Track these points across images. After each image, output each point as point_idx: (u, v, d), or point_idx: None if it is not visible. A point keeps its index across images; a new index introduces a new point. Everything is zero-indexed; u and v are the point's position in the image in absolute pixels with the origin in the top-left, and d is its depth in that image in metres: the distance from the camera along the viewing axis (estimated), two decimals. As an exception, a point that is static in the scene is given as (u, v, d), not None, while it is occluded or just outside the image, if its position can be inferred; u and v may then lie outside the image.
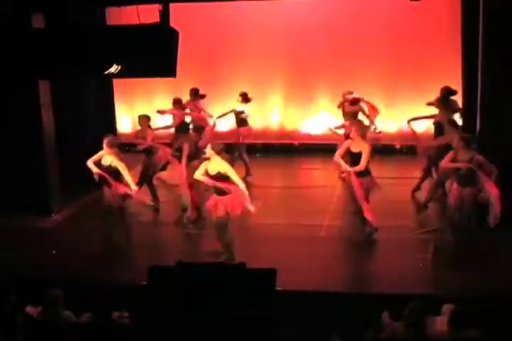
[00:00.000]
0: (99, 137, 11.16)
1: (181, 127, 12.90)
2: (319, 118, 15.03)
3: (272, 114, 15.42)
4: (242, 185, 9.20)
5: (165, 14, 8.32)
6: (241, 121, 13.45)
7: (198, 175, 9.35)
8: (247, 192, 9.25)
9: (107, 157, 9.82)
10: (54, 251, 10.01)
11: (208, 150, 9.21)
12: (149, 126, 11.81)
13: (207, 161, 9.27)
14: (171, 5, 8.53)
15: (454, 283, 8.78)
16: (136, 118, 12.15)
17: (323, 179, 11.24)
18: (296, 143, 15.43)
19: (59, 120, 11.83)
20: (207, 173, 9.26)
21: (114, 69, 7.98)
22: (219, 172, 9.14)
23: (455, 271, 9.29)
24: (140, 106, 15.43)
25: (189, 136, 11.60)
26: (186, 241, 10.55)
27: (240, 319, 4.88)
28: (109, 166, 9.76)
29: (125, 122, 15.67)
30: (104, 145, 9.81)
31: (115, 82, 14.39)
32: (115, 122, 15.11)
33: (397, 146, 14.23)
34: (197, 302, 4.94)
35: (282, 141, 15.30)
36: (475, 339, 6.29)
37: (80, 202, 12.28)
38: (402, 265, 9.42)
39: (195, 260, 9.43)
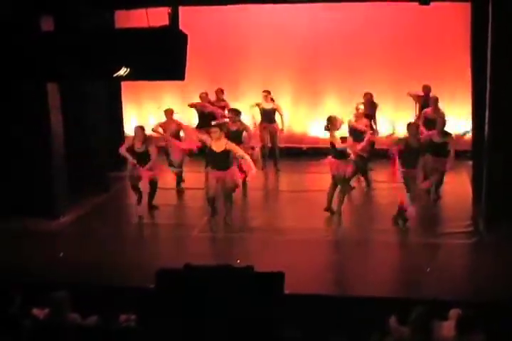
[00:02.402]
0: (107, 139, 11.21)
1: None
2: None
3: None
4: (247, 157, 10.96)
5: (174, 17, 8.33)
6: (269, 118, 14.05)
7: None
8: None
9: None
10: (61, 254, 10.02)
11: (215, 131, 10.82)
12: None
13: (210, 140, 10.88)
14: (180, 8, 8.54)
15: (461, 288, 8.77)
16: (144, 121, 12.41)
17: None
18: (304, 147, 15.42)
19: (67, 123, 11.85)
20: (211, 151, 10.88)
21: (122, 72, 7.98)
22: (225, 149, 10.74)
23: (462, 275, 9.30)
24: (148, 109, 15.46)
25: None
26: (194, 244, 10.56)
27: (249, 322, 4.88)
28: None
29: (133, 124, 15.67)
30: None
31: (123, 84, 14.40)
32: (123, 125, 15.12)
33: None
34: (205, 305, 4.93)
35: (290, 144, 15.28)
36: (482, 344, 6.27)
37: (87, 204, 12.30)
38: (409, 269, 9.42)
39: (203, 263, 9.44)
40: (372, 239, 10.42)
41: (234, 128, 12.22)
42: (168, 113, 12.82)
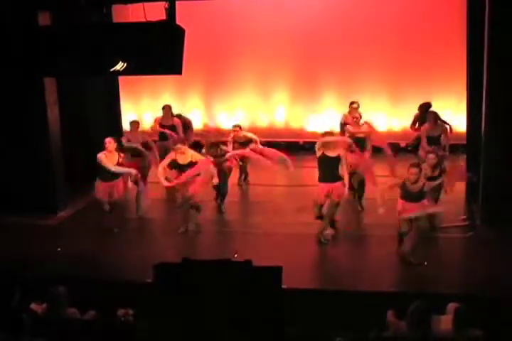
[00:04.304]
0: (104, 135, 11.21)
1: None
2: (325, 116, 15.03)
3: (278, 111, 15.42)
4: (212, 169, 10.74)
5: (171, 12, 8.32)
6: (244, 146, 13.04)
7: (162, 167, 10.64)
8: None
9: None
10: (59, 248, 10.03)
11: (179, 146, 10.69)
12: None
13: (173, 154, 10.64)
14: (177, 2, 8.54)
15: (458, 282, 8.80)
16: (142, 116, 12.37)
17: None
18: (301, 141, 15.43)
19: (64, 118, 11.85)
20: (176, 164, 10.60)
21: (120, 66, 7.98)
22: (191, 161, 10.51)
23: (459, 269, 9.32)
24: (146, 104, 15.45)
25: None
26: (190, 239, 10.57)
27: (247, 316, 4.89)
28: None
29: (131, 119, 15.68)
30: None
31: (121, 79, 14.40)
32: (121, 120, 15.11)
33: (402, 145, 14.19)
34: (203, 299, 4.95)
35: (287, 139, 15.29)
36: (479, 339, 6.28)
37: (85, 199, 12.29)
38: (406, 263, 9.43)
39: (199, 257, 9.46)
40: (368, 234, 10.45)
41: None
42: (134, 125, 12.30)
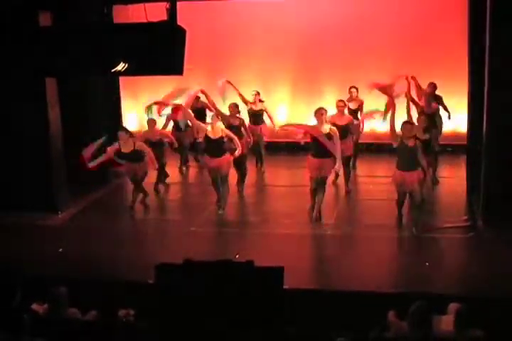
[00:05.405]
0: (105, 135, 11.22)
1: None
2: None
3: (279, 111, 15.40)
4: (236, 139, 11.54)
5: (172, 12, 8.32)
6: (256, 120, 13.66)
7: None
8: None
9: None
10: (60, 249, 10.03)
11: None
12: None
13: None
14: (178, 3, 8.54)
15: (459, 282, 8.80)
16: (143, 116, 12.40)
17: (329, 177, 11.24)
18: (302, 141, 15.41)
19: (65, 118, 11.84)
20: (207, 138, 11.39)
21: (121, 67, 7.98)
22: (222, 136, 11.30)
23: (461, 269, 9.32)
24: (147, 104, 15.43)
25: None
26: (192, 239, 10.56)
27: (248, 316, 4.89)
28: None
29: (131, 119, 15.69)
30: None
31: (122, 79, 14.40)
32: (122, 120, 15.13)
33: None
34: (204, 300, 4.94)
35: (288, 139, 15.27)
36: (480, 339, 6.28)
37: (86, 199, 12.30)
38: (408, 263, 9.43)
39: (200, 258, 9.46)
40: (369, 234, 10.43)
41: (236, 122, 12.43)
42: (151, 123, 12.47)
